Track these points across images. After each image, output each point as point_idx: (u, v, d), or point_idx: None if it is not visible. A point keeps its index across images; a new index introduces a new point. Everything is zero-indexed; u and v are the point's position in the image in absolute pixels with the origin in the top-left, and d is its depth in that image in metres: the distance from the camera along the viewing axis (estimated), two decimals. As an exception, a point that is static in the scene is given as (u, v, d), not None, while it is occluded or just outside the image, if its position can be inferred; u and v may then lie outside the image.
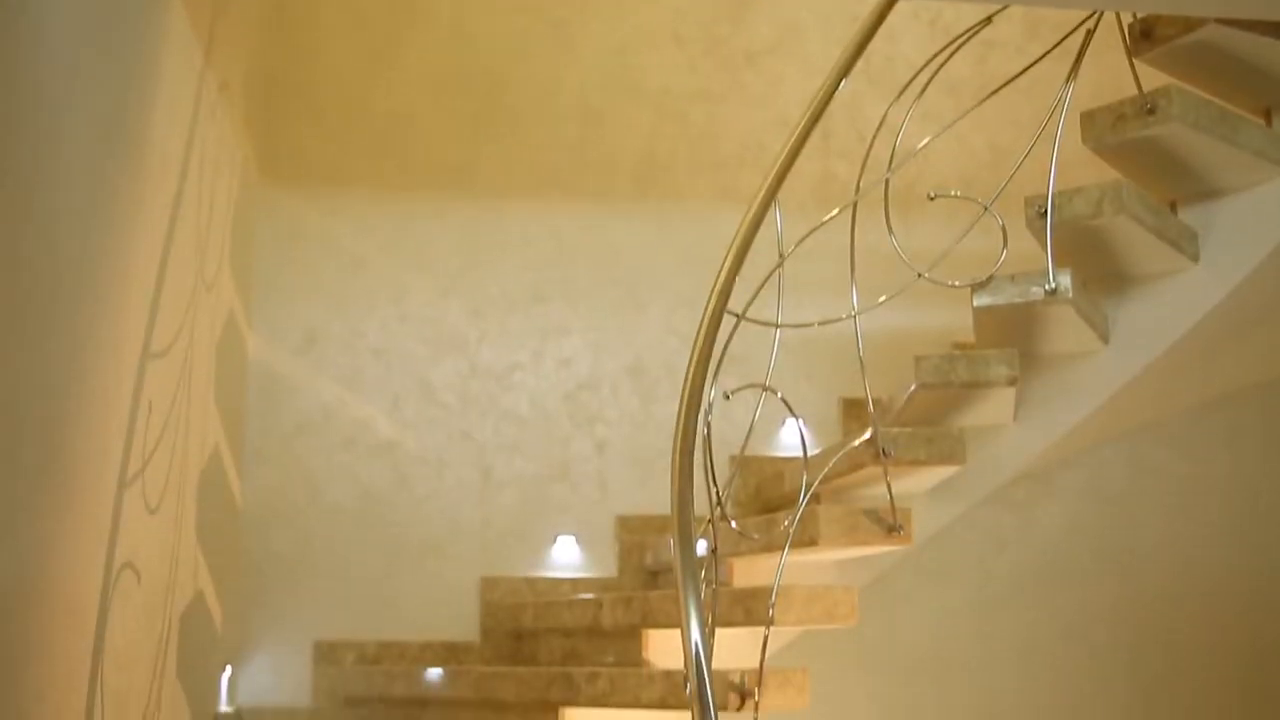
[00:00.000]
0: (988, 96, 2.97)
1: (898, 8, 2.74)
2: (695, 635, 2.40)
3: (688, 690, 2.37)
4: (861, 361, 2.90)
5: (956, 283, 2.88)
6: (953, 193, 2.94)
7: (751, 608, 3.03)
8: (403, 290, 4.31)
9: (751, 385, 2.80)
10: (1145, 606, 4.24)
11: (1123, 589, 4.25)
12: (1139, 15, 3.09)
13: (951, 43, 3.01)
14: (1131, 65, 2.98)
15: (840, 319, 2.90)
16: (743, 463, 3.78)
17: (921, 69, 2.99)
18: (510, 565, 4.19)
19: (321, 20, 4.42)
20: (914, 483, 3.25)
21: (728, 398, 2.79)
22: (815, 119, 2.76)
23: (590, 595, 3.86)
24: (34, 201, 1.79)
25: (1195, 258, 3.03)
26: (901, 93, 3.00)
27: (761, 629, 2.80)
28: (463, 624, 4.12)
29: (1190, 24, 3.01)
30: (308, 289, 4.25)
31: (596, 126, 4.53)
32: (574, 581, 4.18)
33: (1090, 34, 2.92)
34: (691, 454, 2.56)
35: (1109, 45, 3.01)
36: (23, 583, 1.80)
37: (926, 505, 3.34)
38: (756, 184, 2.77)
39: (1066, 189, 2.89)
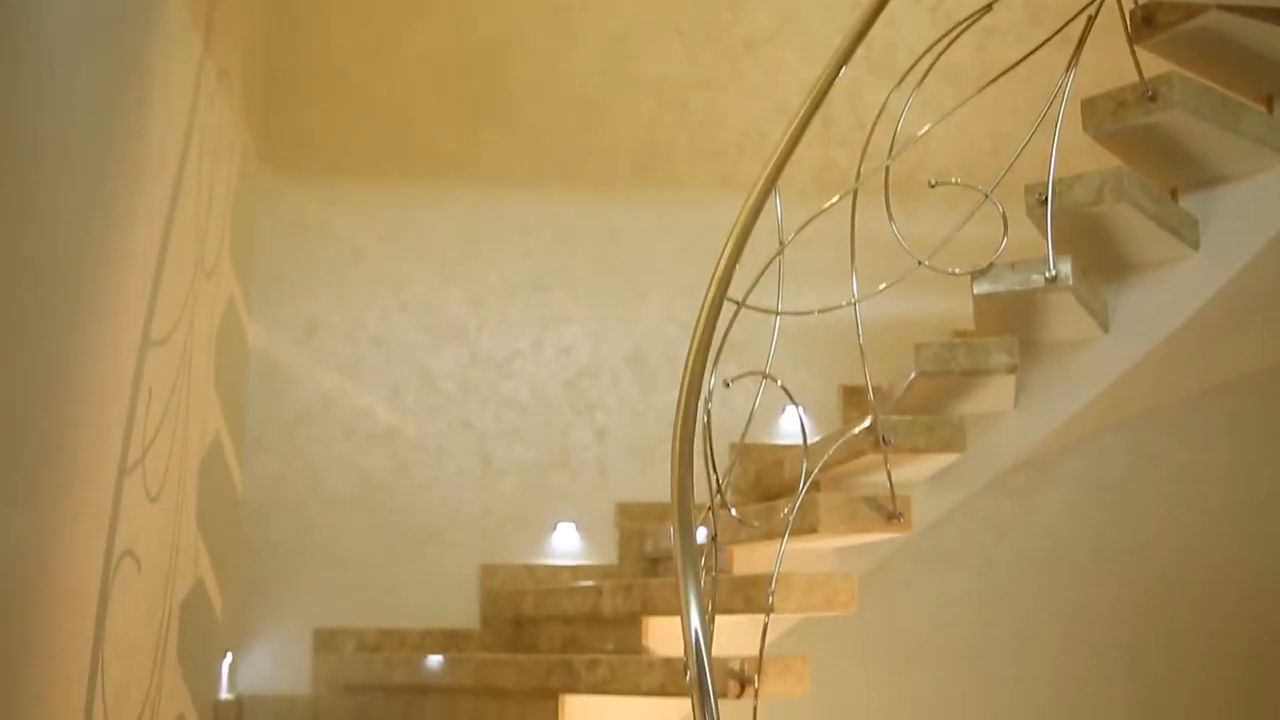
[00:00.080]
0: (988, 84, 2.96)
1: (898, -6, 2.73)
2: (695, 622, 2.40)
3: (687, 677, 2.37)
4: (861, 349, 2.90)
5: (957, 270, 2.88)
6: (953, 180, 2.94)
7: (751, 595, 3.03)
8: (403, 279, 4.31)
9: (751, 373, 2.80)
10: (1145, 593, 4.24)
11: (1123, 576, 4.26)
12: (1140, 1, 3.08)
13: (952, 29, 3.00)
14: (1133, 52, 2.97)
15: (840, 306, 2.90)
16: (743, 450, 3.77)
17: (922, 56, 2.98)
18: (510, 553, 4.20)
19: (321, 8, 4.41)
20: (914, 470, 3.25)
21: (728, 385, 2.79)
22: (815, 106, 2.76)
23: (590, 582, 3.87)
24: (34, 189, 1.78)
25: (1196, 245, 3.03)
26: (902, 80, 2.99)
27: (761, 616, 2.80)
28: (463, 611, 4.13)
29: (1192, 10, 3.00)
30: (308, 277, 4.25)
31: (596, 115, 4.52)
32: (574, 569, 4.19)
33: (1091, 20, 2.91)
34: (691, 441, 2.56)
35: (1110, 32, 3.00)
36: (23, 570, 1.81)
37: (926, 493, 3.34)
38: (756, 172, 2.76)
39: (1067, 176, 2.88)
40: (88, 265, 2.10)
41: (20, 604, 1.80)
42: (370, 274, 4.29)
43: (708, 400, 2.68)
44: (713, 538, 2.73)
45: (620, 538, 4.23)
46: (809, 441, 2.98)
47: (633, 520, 4.22)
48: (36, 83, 1.79)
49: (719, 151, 4.54)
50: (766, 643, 2.78)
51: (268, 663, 4.01)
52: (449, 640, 4.07)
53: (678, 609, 2.43)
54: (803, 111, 2.75)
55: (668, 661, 3.03)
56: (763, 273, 2.82)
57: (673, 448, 2.55)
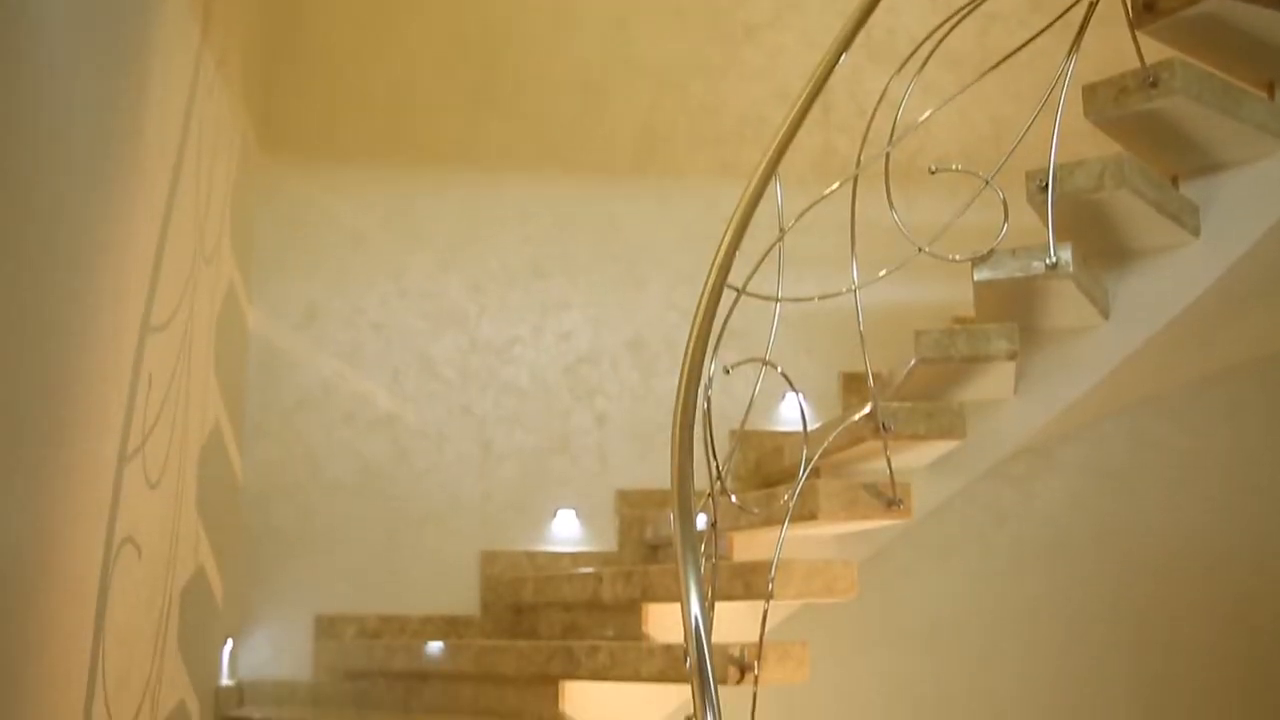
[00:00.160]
0: (989, 70, 2.95)
1: (899, -20, 2.72)
2: (695, 609, 2.40)
3: (687, 664, 2.37)
4: (861, 336, 2.90)
5: (957, 257, 2.88)
6: (954, 166, 2.93)
7: (751, 582, 3.03)
8: (402, 265, 4.30)
9: (751, 360, 2.80)
10: (1146, 581, 4.25)
11: (1123, 563, 4.26)
12: (1141, -13, 3.08)
13: (953, 15, 2.99)
14: (1134, 38, 2.96)
15: (840, 293, 2.90)
16: (743, 437, 3.77)
17: (923, 42, 2.97)
18: (510, 539, 4.20)
19: (320, -7, 4.41)
20: (914, 457, 3.25)
21: (728, 372, 2.79)
22: (816, 92, 2.75)
23: (590, 569, 3.87)
24: (34, 177, 1.78)
25: (1196, 232, 3.03)
26: (903, 66, 2.98)
27: (761, 603, 2.80)
28: (463, 598, 4.14)
29: (1193, -4, 3.00)
30: (307, 264, 4.25)
31: (597, 100, 4.51)
32: (574, 555, 4.19)
33: (1093, 6, 2.90)
34: (691, 428, 2.56)
35: (1111, 18, 3.00)
36: (24, 558, 1.81)
37: (926, 480, 3.34)
38: (757, 158, 2.76)
39: (1068, 162, 2.87)
40: (87, 251, 2.10)
41: (21, 591, 1.80)
42: (370, 260, 4.29)
43: (708, 387, 2.68)
44: (713, 524, 2.74)
45: (620, 524, 4.23)
46: (809, 428, 2.98)
47: (633, 507, 4.23)
48: (36, 73, 1.78)
49: (719, 137, 4.54)
50: (766, 629, 2.79)
51: (268, 649, 4.02)
52: (449, 627, 4.07)
53: (678, 595, 2.43)
54: (803, 97, 2.74)
55: (668, 648, 3.03)
56: (763, 259, 2.82)
57: (673, 434, 2.55)
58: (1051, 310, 3.03)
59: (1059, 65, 2.86)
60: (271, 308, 4.20)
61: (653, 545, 4.14)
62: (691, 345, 2.61)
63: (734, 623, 3.06)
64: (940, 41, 2.97)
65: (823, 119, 4.51)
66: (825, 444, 3.07)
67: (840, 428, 3.11)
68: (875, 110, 2.99)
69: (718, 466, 2.71)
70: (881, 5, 2.77)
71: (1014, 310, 3.03)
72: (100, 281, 2.20)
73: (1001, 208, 2.80)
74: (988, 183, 2.82)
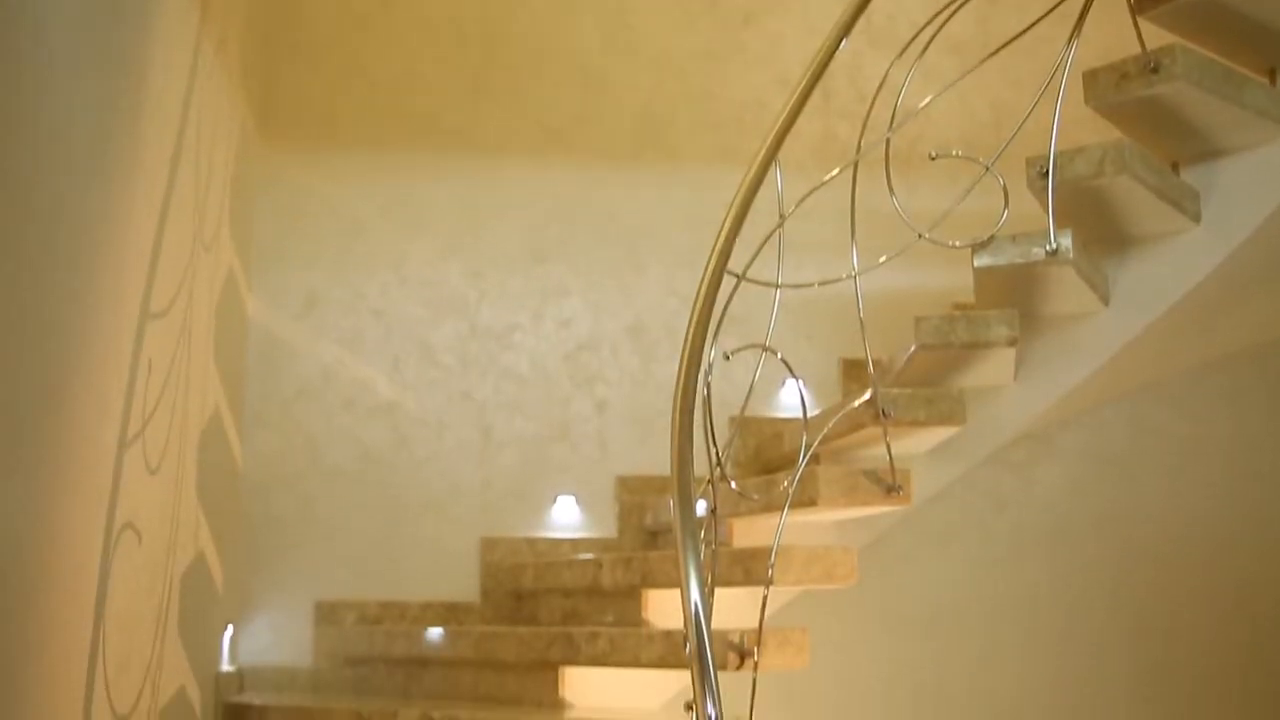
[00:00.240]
0: (989, 55, 2.94)
1: (899, -35, 2.71)
2: (695, 595, 2.40)
3: (687, 650, 2.37)
4: (861, 322, 2.89)
5: (957, 243, 2.87)
6: (954, 153, 2.93)
7: (751, 568, 3.03)
8: (402, 251, 4.30)
9: (751, 346, 2.80)
10: (1146, 567, 4.25)
11: (1123, 549, 4.26)
12: (1143, -27, 3.07)
13: (953, 1, 2.98)
14: (1135, 23, 2.96)
15: (840, 279, 2.89)
16: (742, 423, 3.78)
17: (923, 28, 2.97)
18: (510, 526, 4.21)
19: (319, -21, 4.39)
20: (914, 443, 3.26)
21: (728, 358, 2.78)
22: (816, 78, 2.75)
23: (590, 555, 3.88)
24: (32, 164, 1.78)
25: (1197, 218, 3.02)
26: (903, 52, 2.98)
27: (761, 589, 2.80)
28: (463, 584, 4.14)
29: (1195, -18, 2.99)
30: (307, 251, 4.25)
31: (596, 86, 4.51)
32: (574, 542, 4.20)
33: (1093, -9, 2.90)
34: (691, 414, 2.56)
35: (1112, 3, 2.99)
36: (24, 544, 1.81)
37: (926, 466, 3.34)
38: (757, 144, 2.75)
39: (1068, 149, 2.87)
40: (87, 239, 2.10)
41: (21, 577, 1.80)
42: (370, 247, 4.29)
43: (708, 373, 2.68)
44: (712, 510, 2.74)
45: (620, 510, 4.24)
46: (809, 414, 2.99)
47: (632, 493, 4.23)
48: (36, 65, 1.78)
49: (719, 123, 4.53)
50: (766, 615, 2.79)
51: (269, 635, 4.03)
52: (449, 613, 4.08)
53: (677, 582, 2.43)
54: (803, 83, 2.74)
55: (667, 634, 3.03)
56: (763, 245, 2.82)
57: (672, 420, 2.55)
58: (1052, 296, 3.03)
59: (1060, 51, 2.85)
60: (271, 295, 4.20)
61: (652, 531, 4.15)
62: (691, 331, 2.61)
63: (734, 609, 3.06)
64: (941, 27, 2.96)
65: (823, 105, 4.50)
66: (825, 430, 3.08)
67: (840, 414, 3.11)
68: (876, 96, 2.99)
69: (718, 453, 2.71)
70: (882, -9, 2.77)
71: (1014, 296, 3.03)
72: (100, 268, 2.19)
73: (1002, 194, 2.80)
74: (988, 169, 2.82)
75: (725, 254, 2.65)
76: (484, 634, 3.53)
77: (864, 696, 4.16)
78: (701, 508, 2.66)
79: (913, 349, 3.05)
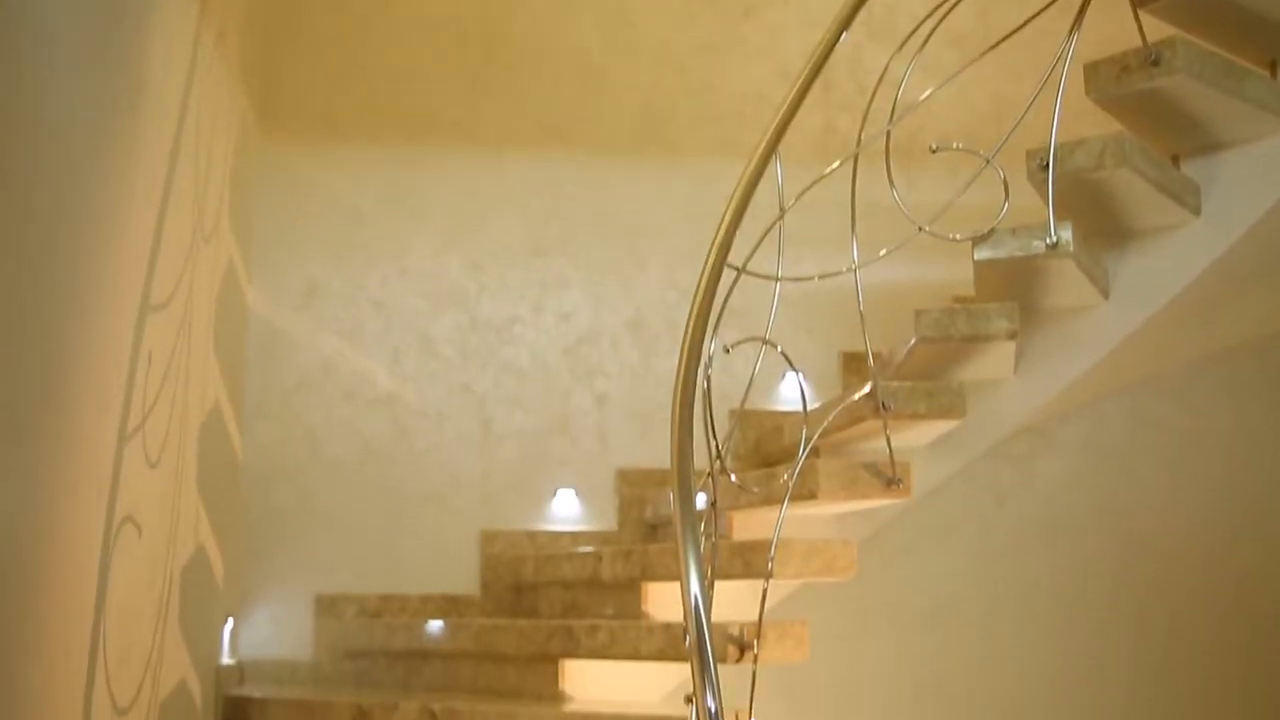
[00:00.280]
0: (990, 48, 2.94)
1: (900, -42, 2.71)
2: (694, 588, 2.40)
3: (687, 642, 2.37)
4: (861, 315, 2.89)
5: (957, 236, 2.87)
6: (954, 145, 2.92)
7: (751, 561, 3.04)
8: (402, 243, 4.30)
9: (751, 339, 2.80)
10: (1146, 560, 4.25)
11: (1123, 542, 4.26)
12: (1144, -35, 3.06)
13: (954, -7, 2.98)
14: (1136, 16, 2.95)
15: (840, 272, 2.89)
16: (742, 416, 3.77)
17: (924, 20, 2.96)
18: (510, 518, 4.21)
19: (319, -29, 4.39)
20: (913, 436, 3.26)
21: (728, 351, 2.78)
22: (816, 71, 2.74)
23: (590, 548, 3.88)
24: (33, 161, 1.77)
25: (1197, 211, 3.02)
26: (903, 44, 2.97)
27: (761, 582, 2.80)
28: (463, 577, 4.15)
29: (1196, -26, 2.99)
30: (307, 242, 4.25)
31: (596, 79, 4.50)
32: (574, 534, 4.20)
33: (1095, -16, 2.89)
34: (691, 407, 2.56)
35: (1113, -4, 2.99)
36: (24, 536, 1.81)
37: (926, 459, 3.34)
38: (757, 137, 2.75)
39: (1069, 141, 2.87)
40: (86, 230, 2.10)
41: (21, 570, 1.80)
42: (370, 238, 4.29)
43: (708, 366, 2.68)
44: (712, 503, 2.74)
45: (620, 503, 4.24)
46: (809, 408, 2.98)
47: (632, 486, 4.23)
48: (36, 56, 1.78)
49: (719, 116, 4.52)
50: (766, 608, 2.79)
51: (269, 628, 4.03)
52: (449, 606, 4.08)
53: (677, 574, 2.43)
54: (803, 76, 2.73)
55: (667, 627, 3.04)
56: (763, 238, 2.82)
57: (672, 414, 2.55)
58: (1052, 289, 3.03)
59: (1060, 44, 2.85)
60: (271, 287, 4.20)
61: (652, 524, 4.15)
62: (691, 324, 2.61)
63: (733, 602, 3.07)
64: (941, 20, 2.95)
65: (823, 98, 4.49)
66: (825, 423, 3.07)
67: (840, 407, 3.11)
68: (876, 89, 2.98)
69: (717, 446, 2.72)
70: (882, -17, 2.76)
71: (1014, 289, 3.03)
72: (99, 260, 2.19)
73: (1002, 187, 2.79)
74: (988, 162, 2.81)
75: (725, 247, 2.65)
76: (484, 627, 3.53)
77: (864, 689, 4.16)
78: (701, 501, 2.66)
79: (913, 342, 3.05)
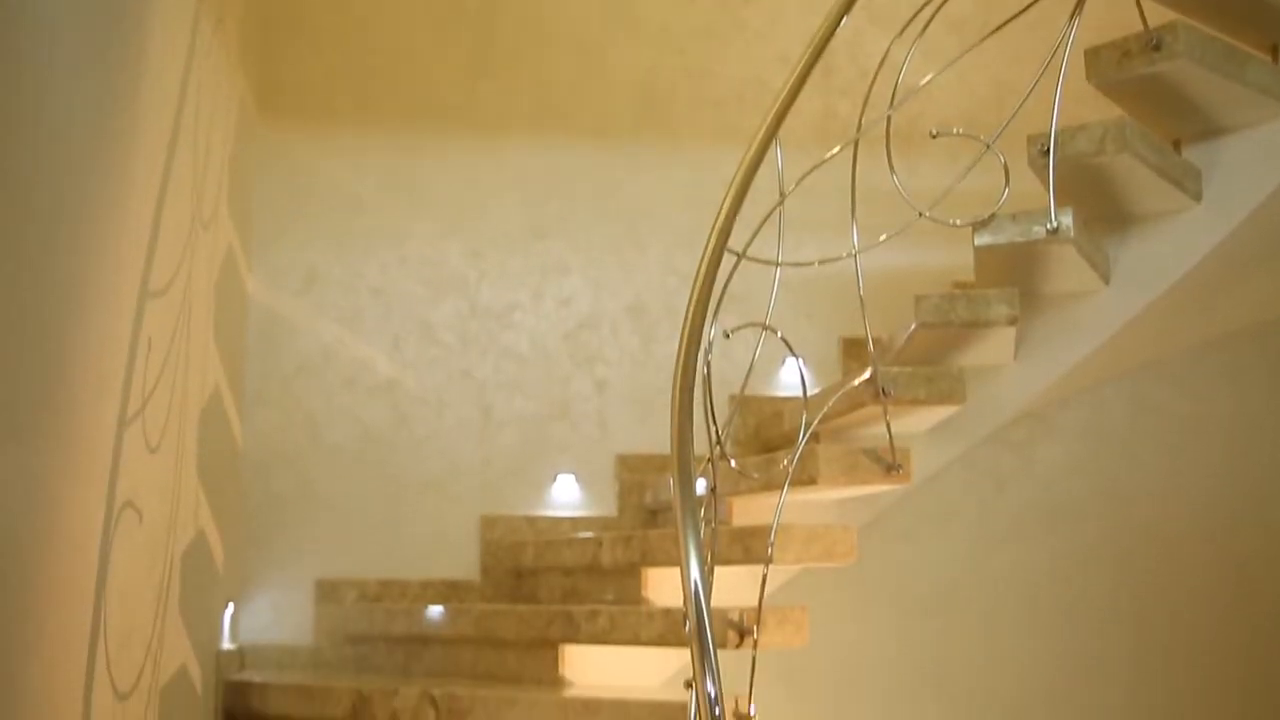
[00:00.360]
0: (991, 33, 2.93)
1: (900, -58, 2.70)
2: (694, 573, 2.41)
3: (687, 628, 2.38)
4: (862, 300, 2.89)
5: (958, 221, 2.87)
6: (955, 130, 2.92)
7: (751, 546, 3.04)
8: (402, 229, 4.29)
9: (751, 324, 2.79)
10: (1145, 545, 4.26)
11: (1122, 528, 4.27)
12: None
13: (955, -22, 2.97)
14: (1137, 1, 2.95)
15: (841, 258, 2.89)
16: (742, 402, 3.77)
17: (924, 5, 2.95)
18: (510, 504, 4.21)
19: (317, -44, 4.38)
20: (913, 422, 3.26)
21: (728, 337, 2.78)
22: (816, 56, 2.74)
23: (590, 534, 3.88)
24: (33, 145, 1.77)
25: (1198, 197, 3.02)
26: (904, 29, 2.96)
27: (760, 567, 2.81)
28: (463, 563, 4.15)
29: (1197, -41, 2.98)
30: (306, 229, 4.24)
31: (596, 63, 4.49)
32: (574, 520, 4.20)
33: (1096, -31, 2.88)
34: (691, 393, 2.56)
35: (1115, -20, 2.98)
36: (25, 522, 1.81)
37: (926, 444, 3.35)
38: (757, 122, 2.75)
39: (1069, 126, 2.86)
40: (85, 216, 2.09)
41: (22, 556, 1.80)
42: (369, 225, 4.28)
43: (707, 352, 2.68)
44: (712, 489, 2.74)
45: (620, 489, 4.24)
46: (809, 393, 2.98)
47: (632, 472, 4.23)
48: (33, 41, 1.77)
49: (719, 101, 4.52)
50: (766, 594, 2.80)
51: (269, 613, 4.03)
52: (449, 591, 4.09)
53: (677, 560, 2.43)
54: (804, 61, 2.73)
55: (667, 612, 3.04)
56: (763, 224, 2.82)
57: (672, 399, 2.55)
58: (1052, 275, 3.03)
59: (1061, 28, 2.84)
60: (271, 273, 4.20)
61: (652, 510, 4.15)
62: (691, 310, 2.60)
63: (733, 587, 3.07)
64: (942, 4, 2.95)
65: (824, 83, 4.48)
66: (825, 409, 3.07)
67: (840, 393, 3.11)
68: (876, 74, 2.98)
69: (717, 431, 2.72)
70: (883, -33, 2.76)
71: (1014, 275, 3.03)
72: (99, 247, 2.19)
73: (1002, 172, 2.79)
74: (989, 147, 2.81)
75: (725, 232, 2.65)
76: (484, 612, 3.54)
77: (863, 674, 4.17)
78: (701, 486, 2.66)
79: (913, 327, 3.05)
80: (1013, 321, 3.00)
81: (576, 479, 4.24)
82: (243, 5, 3.82)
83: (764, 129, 2.71)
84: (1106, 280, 3.07)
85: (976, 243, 2.93)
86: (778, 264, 2.82)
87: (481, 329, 4.30)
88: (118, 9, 2.30)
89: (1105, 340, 3.16)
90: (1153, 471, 4.30)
